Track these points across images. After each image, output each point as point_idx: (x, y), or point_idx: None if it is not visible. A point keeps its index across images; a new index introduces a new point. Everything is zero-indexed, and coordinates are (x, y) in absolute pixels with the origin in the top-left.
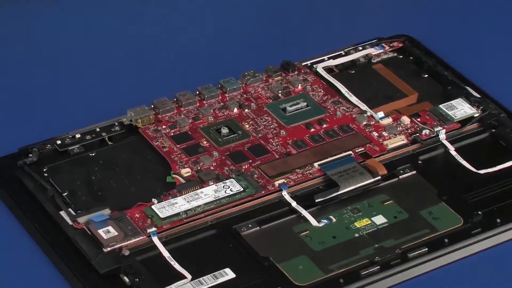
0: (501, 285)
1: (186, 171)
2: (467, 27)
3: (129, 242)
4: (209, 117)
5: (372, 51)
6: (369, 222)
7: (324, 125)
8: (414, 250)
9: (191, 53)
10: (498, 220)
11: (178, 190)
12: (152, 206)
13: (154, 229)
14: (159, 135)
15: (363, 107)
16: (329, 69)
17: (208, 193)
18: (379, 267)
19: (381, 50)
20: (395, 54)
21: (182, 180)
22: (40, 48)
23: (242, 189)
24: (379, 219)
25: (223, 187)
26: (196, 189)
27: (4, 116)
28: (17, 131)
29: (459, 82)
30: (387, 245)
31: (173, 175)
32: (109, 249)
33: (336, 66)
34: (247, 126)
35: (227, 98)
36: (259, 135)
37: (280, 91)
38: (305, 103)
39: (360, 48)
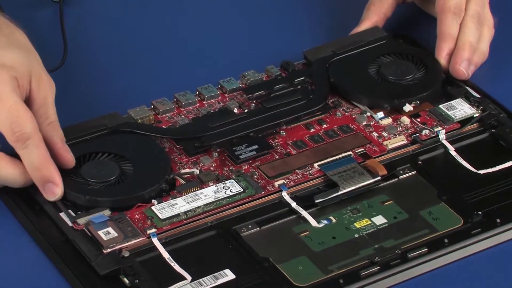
0: (501, 285)
1: (186, 171)
2: None
3: (129, 243)
4: None
5: None
6: (369, 222)
7: (324, 126)
8: (414, 250)
9: (191, 53)
10: (498, 220)
11: (178, 191)
12: (152, 207)
13: (154, 230)
14: None
15: (363, 107)
16: None
17: (208, 194)
18: (379, 267)
19: None
20: None
21: (182, 181)
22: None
23: (242, 189)
24: (379, 220)
25: (223, 187)
26: (196, 190)
27: None
28: None
29: (459, 82)
30: (387, 246)
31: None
32: (109, 250)
33: None
34: None
35: (227, 98)
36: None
37: None
38: None
39: None
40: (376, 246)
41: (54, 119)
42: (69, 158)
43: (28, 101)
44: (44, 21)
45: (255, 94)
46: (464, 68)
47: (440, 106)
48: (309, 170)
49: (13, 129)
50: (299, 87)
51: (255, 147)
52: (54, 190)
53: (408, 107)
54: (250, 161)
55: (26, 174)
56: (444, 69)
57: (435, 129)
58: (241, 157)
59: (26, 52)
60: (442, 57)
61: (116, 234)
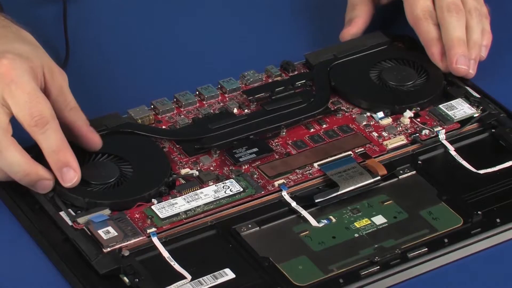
0: (501, 285)
1: (185, 172)
2: None
3: (129, 242)
4: None
5: None
6: (369, 222)
7: (324, 126)
8: (414, 250)
9: (191, 53)
10: (498, 220)
11: (178, 191)
12: (152, 207)
13: (154, 229)
14: None
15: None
16: None
17: (208, 194)
18: (379, 267)
19: None
20: None
21: (182, 181)
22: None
23: (241, 189)
24: (379, 219)
25: (223, 187)
26: (195, 190)
27: None
28: (17, 131)
29: (459, 82)
30: (387, 245)
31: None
32: (109, 249)
33: None
34: None
35: (227, 98)
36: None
37: None
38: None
39: None
40: (376, 246)
41: (75, 105)
42: (96, 139)
43: (44, 93)
44: (47, 19)
45: (256, 96)
46: (462, 64)
47: (440, 106)
48: (309, 170)
49: (32, 114)
50: (300, 89)
51: (255, 149)
52: (71, 174)
53: (408, 113)
54: (250, 161)
55: (31, 163)
56: (445, 71)
57: (435, 129)
58: (240, 160)
59: (36, 47)
60: (438, 60)
61: (116, 233)
